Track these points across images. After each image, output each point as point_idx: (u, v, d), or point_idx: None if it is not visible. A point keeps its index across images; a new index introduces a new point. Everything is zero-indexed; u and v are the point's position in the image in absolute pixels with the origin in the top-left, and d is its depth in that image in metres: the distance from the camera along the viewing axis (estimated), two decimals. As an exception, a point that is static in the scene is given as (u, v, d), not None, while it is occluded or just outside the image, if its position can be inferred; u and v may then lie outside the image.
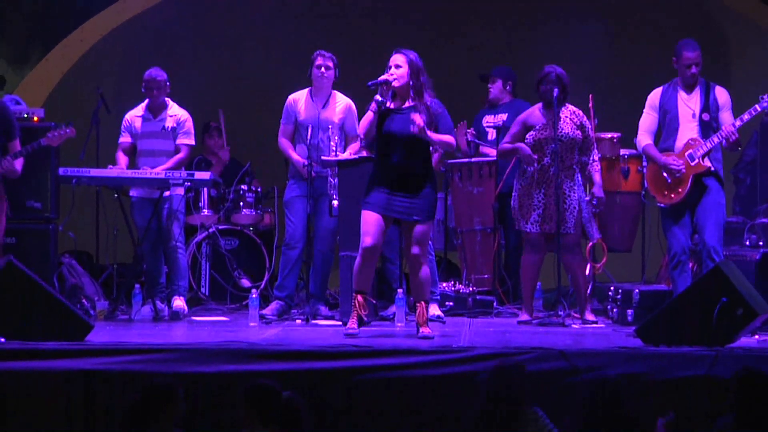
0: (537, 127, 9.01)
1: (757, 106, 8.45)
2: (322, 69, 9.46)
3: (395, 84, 8.10)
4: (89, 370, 6.96)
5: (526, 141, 9.03)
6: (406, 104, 8.14)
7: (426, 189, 8.13)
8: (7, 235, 9.30)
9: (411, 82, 8.12)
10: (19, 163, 8.97)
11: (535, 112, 9.09)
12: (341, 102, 9.55)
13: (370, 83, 8.07)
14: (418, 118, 7.97)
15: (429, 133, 8.01)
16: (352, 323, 8.10)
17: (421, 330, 8.06)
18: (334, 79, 9.53)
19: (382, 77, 8.08)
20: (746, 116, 8.49)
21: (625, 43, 12.55)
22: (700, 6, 12.46)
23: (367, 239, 8.08)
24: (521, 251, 9.94)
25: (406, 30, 12.39)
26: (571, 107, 9.08)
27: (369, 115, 8.08)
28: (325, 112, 9.51)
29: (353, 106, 9.53)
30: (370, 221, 8.07)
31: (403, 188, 8.06)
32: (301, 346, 7.28)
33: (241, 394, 5.80)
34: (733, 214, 10.02)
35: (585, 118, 9.09)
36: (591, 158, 9.08)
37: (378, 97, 8.05)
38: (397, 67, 8.14)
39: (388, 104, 8.08)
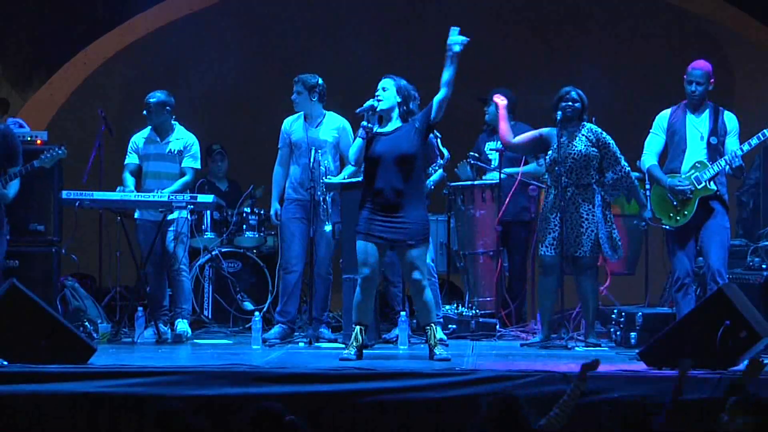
0: (553, 146, 8.98)
1: (766, 131, 8.45)
2: (294, 95, 9.50)
3: (381, 107, 8.15)
4: (92, 393, 6.95)
5: (546, 162, 9.02)
6: (393, 127, 8.17)
7: (418, 211, 8.12)
8: (10, 257, 9.31)
9: (398, 105, 8.17)
10: (14, 188, 8.93)
11: (553, 133, 9.04)
12: (335, 122, 9.55)
13: (357, 111, 8.14)
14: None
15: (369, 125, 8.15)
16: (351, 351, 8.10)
17: (436, 353, 8.06)
18: (313, 100, 9.48)
19: (368, 103, 8.13)
20: (754, 141, 8.50)
21: (627, 67, 12.56)
22: (703, 29, 12.48)
23: (365, 270, 8.10)
24: (525, 275, 9.96)
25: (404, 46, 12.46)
26: (589, 125, 9.03)
27: (358, 142, 8.14)
28: (316, 132, 9.52)
29: (348, 126, 9.54)
30: (365, 251, 8.09)
31: (394, 212, 8.06)
32: (304, 369, 7.28)
33: (248, 419, 5.77)
34: (736, 237, 10.02)
35: (603, 134, 9.01)
36: (620, 174, 8.99)
37: (365, 123, 8.08)
38: (384, 90, 8.19)
39: (375, 129, 8.11)
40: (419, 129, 8.15)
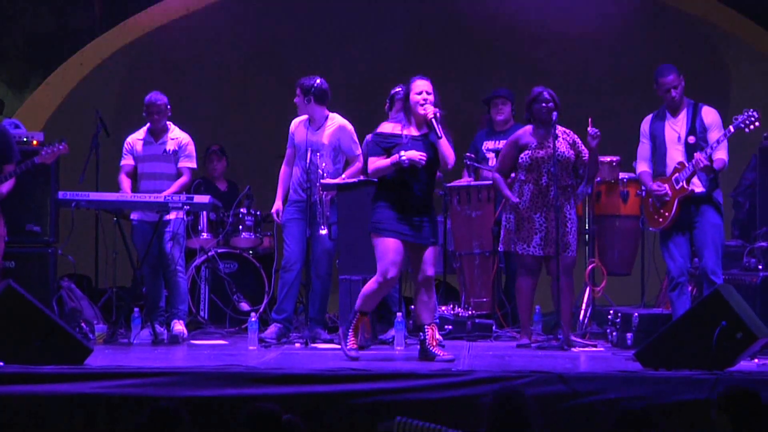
0: (531, 146, 9.01)
1: (731, 127, 8.47)
2: (295, 100, 9.51)
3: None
4: (88, 393, 6.95)
5: (520, 161, 9.02)
6: (422, 130, 8.16)
7: (433, 211, 8.26)
8: (7, 258, 9.32)
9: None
10: (7, 185, 8.99)
11: (527, 133, 9.10)
12: (333, 124, 9.54)
13: (406, 160, 8.00)
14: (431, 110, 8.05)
15: (440, 131, 8.04)
16: (354, 344, 8.09)
17: (441, 353, 8.07)
18: (310, 103, 9.47)
19: (417, 156, 8.02)
20: (722, 138, 8.49)
21: (624, 67, 12.58)
22: (698, 31, 12.49)
23: (393, 269, 8.09)
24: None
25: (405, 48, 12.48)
26: (561, 127, 9.07)
27: (386, 163, 8.07)
28: (317, 134, 9.51)
29: (347, 126, 9.51)
30: (396, 249, 8.06)
31: (420, 213, 8.11)
32: (301, 370, 7.29)
33: (243, 419, 5.77)
34: (732, 238, 10.03)
35: (577, 137, 9.09)
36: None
37: (414, 158, 8.01)
38: (428, 93, 8.16)
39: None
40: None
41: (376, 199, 8.17)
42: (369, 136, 8.33)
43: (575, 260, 9.02)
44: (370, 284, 8.16)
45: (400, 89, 9.28)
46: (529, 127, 9.12)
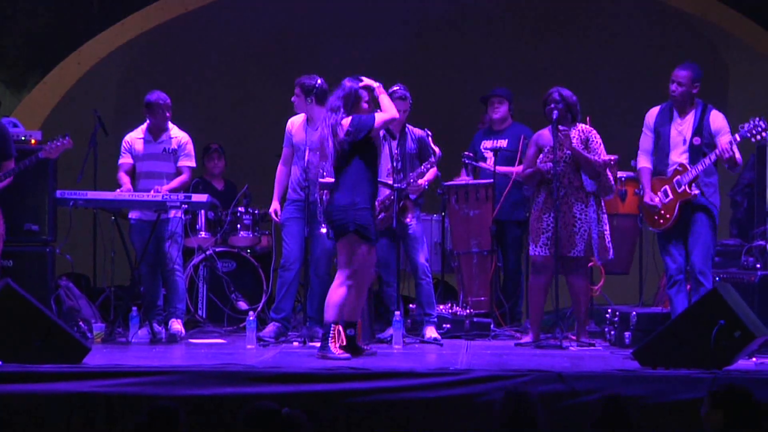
0: (545, 150, 9.02)
1: (737, 135, 8.47)
2: (293, 97, 9.52)
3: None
4: (87, 393, 6.95)
5: (537, 163, 9.04)
6: None
7: None
8: (5, 257, 9.31)
9: None
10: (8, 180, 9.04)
11: (544, 133, 9.10)
12: None
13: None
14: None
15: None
16: (339, 350, 8.11)
17: (338, 352, 8.09)
18: (310, 102, 9.45)
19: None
20: (726, 146, 8.47)
21: (623, 65, 12.58)
22: (698, 31, 12.49)
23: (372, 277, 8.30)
24: (519, 274, 9.96)
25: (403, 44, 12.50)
26: (581, 126, 9.05)
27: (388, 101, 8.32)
28: (316, 134, 9.50)
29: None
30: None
31: None
32: (299, 369, 7.29)
33: (242, 418, 5.77)
34: (731, 237, 10.03)
35: (593, 134, 9.05)
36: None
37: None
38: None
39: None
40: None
41: (357, 199, 8.16)
42: (350, 118, 8.32)
43: (581, 260, 8.96)
44: (342, 292, 8.18)
45: (398, 87, 9.33)
46: (548, 128, 9.08)
